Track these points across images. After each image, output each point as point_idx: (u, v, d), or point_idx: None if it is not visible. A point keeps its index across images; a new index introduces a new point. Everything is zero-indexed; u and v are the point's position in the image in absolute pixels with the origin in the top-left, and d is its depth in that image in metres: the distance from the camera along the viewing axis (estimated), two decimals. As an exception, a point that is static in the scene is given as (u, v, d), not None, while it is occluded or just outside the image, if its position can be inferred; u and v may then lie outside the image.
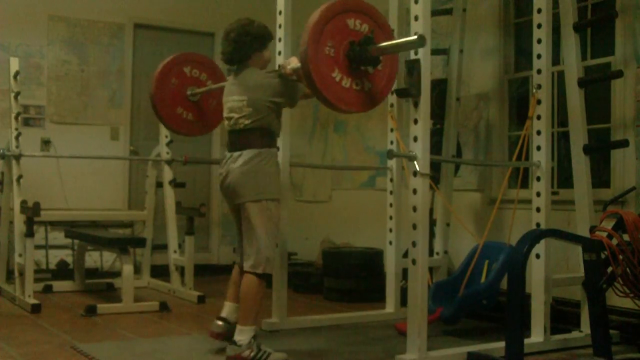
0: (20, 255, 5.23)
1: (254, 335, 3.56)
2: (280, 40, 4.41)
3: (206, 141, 7.43)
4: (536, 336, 3.94)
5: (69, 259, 6.55)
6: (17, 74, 5.58)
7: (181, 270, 5.74)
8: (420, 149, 3.45)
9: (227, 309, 3.82)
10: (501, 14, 5.38)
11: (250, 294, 3.58)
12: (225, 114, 3.76)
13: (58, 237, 6.55)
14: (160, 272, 6.24)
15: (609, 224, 3.63)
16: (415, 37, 3.30)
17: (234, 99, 3.69)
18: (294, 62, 3.57)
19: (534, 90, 4.04)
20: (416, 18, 3.46)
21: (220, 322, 3.76)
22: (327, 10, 3.37)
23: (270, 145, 3.68)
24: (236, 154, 3.66)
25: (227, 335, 3.71)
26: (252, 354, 3.52)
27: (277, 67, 3.76)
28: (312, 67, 3.28)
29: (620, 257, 3.54)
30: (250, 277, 3.59)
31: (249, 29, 3.71)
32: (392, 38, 3.57)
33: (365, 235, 6.23)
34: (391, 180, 4.86)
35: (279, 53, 4.40)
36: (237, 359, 3.53)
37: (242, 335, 3.54)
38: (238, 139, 3.68)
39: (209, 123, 4.80)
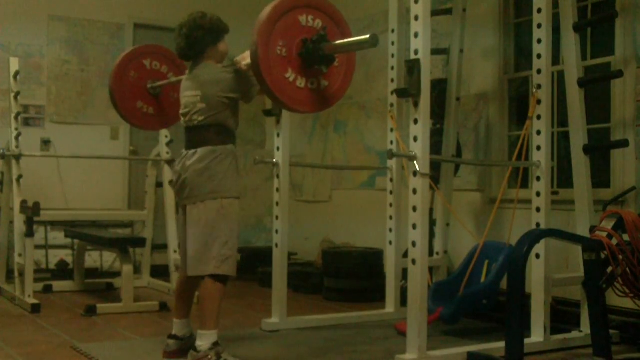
0: (20, 255, 5.23)
1: (215, 341, 3.41)
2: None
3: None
4: (536, 336, 3.94)
5: (69, 259, 6.55)
6: (17, 74, 5.58)
7: (181, 270, 5.73)
8: (420, 149, 3.45)
9: (177, 326, 3.67)
10: (501, 14, 5.38)
11: (210, 297, 3.42)
12: (181, 110, 3.65)
13: (58, 237, 6.55)
14: (160, 272, 6.24)
15: (609, 224, 3.63)
16: (368, 36, 3.21)
17: (189, 95, 3.59)
18: (249, 58, 3.36)
19: (534, 90, 4.03)
20: (416, 18, 3.46)
21: (171, 341, 3.64)
22: (276, 7, 3.23)
23: (226, 142, 3.53)
24: (191, 151, 3.52)
25: (181, 352, 3.59)
26: None
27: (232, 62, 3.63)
28: (264, 69, 3.18)
29: (620, 257, 3.54)
30: (209, 280, 3.43)
31: (202, 22, 3.59)
32: (348, 33, 3.45)
33: (365, 235, 6.23)
34: (391, 180, 4.86)
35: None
36: None
37: (202, 341, 3.40)
38: (193, 136, 3.56)
39: (170, 117, 4.62)
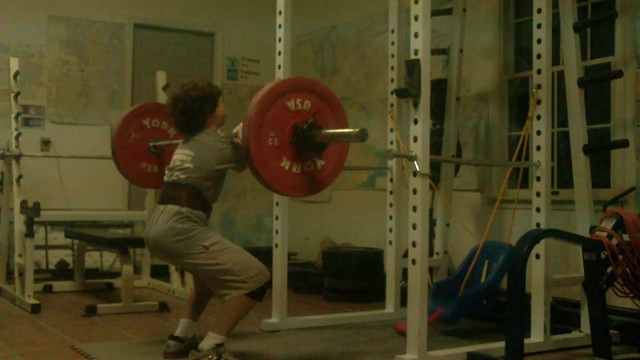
0: (20, 255, 5.23)
1: (219, 343, 3.40)
2: (280, 40, 4.40)
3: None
4: (536, 336, 3.94)
5: (69, 259, 6.55)
6: (17, 74, 5.58)
7: (181, 271, 5.74)
8: (420, 149, 3.45)
9: (182, 326, 3.67)
10: (501, 14, 5.38)
11: (237, 307, 3.43)
12: (168, 165, 3.63)
13: (58, 237, 6.55)
14: (160, 272, 6.24)
15: (609, 224, 3.63)
16: (357, 130, 3.19)
17: (182, 152, 3.58)
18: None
19: (534, 90, 4.04)
20: (416, 18, 3.46)
21: (172, 342, 3.64)
22: (264, 99, 3.21)
23: (194, 207, 3.45)
24: (161, 207, 3.50)
25: (181, 353, 3.59)
26: None
27: (232, 132, 3.64)
28: (258, 165, 3.17)
29: (620, 257, 3.54)
30: (241, 297, 3.43)
31: (195, 94, 3.56)
32: (339, 109, 3.43)
33: (365, 235, 6.23)
34: (391, 180, 4.86)
35: (279, 53, 4.40)
36: None
37: (207, 341, 3.41)
38: (168, 192, 3.53)
39: None
